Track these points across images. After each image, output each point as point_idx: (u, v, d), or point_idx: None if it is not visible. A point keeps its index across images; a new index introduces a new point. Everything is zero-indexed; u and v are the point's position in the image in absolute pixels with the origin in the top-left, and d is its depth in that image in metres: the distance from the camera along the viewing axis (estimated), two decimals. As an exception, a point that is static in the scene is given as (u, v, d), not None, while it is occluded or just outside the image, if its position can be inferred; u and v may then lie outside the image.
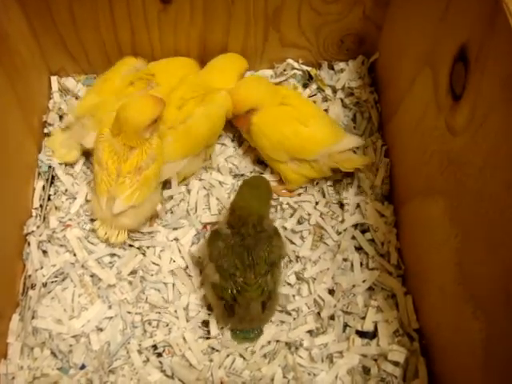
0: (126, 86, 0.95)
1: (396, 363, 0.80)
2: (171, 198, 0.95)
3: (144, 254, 0.91)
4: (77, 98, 1.04)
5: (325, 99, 1.04)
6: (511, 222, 0.59)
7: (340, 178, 0.97)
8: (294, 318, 0.86)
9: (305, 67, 1.06)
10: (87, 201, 0.94)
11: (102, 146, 0.88)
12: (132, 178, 0.87)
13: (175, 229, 0.93)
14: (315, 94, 1.05)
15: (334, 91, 1.05)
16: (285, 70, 1.06)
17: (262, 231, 0.81)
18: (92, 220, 0.92)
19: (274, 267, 0.81)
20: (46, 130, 1.00)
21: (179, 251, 0.91)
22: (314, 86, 1.05)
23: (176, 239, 0.92)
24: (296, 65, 1.06)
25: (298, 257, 0.91)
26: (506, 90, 0.59)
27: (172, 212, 0.94)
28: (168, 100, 0.91)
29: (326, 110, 1.02)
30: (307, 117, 0.91)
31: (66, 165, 0.97)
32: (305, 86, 1.06)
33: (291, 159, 0.93)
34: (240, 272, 0.79)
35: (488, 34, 0.62)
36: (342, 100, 1.04)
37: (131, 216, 0.88)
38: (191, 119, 0.91)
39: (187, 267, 0.90)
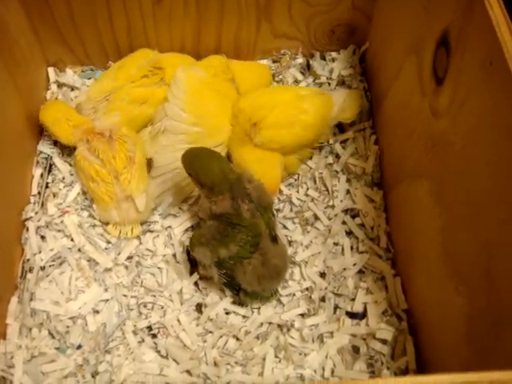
0: (140, 76, 0.96)
1: (384, 341, 0.82)
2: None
3: (140, 241, 0.93)
4: (73, 90, 1.06)
5: (319, 87, 1.06)
6: (491, 199, 0.61)
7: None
8: (288, 301, 0.88)
9: (301, 57, 1.08)
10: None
11: (83, 163, 0.92)
12: (130, 170, 0.90)
13: (173, 217, 0.95)
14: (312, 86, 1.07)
15: (329, 80, 1.07)
16: (280, 59, 1.08)
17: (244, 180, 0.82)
18: (89, 207, 0.94)
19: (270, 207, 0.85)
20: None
21: (170, 238, 0.93)
22: (310, 77, 1.07)
23: (170, 227, 0.94)
24: (293, 54, 1.08)
25: (290, 241, 0.93)
26: (484, 71, 0.61)
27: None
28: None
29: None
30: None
31: (64, 153, 1.00)
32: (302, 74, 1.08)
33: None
34: (242, 223, 0.81)
35: (467, 18, 0.64)
36: (334, 89, 1.06)
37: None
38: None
39: (175, 255, 0.92)
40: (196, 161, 0.83)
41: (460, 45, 0.66)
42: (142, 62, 0.97)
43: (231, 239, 0.81)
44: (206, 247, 0.82)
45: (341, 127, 1.02)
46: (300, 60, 1.08)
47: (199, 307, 0.88)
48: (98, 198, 0.92)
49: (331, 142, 1.00)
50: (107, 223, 0.93)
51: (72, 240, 0.91)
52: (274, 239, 0.85)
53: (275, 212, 0.93)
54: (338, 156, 0.99)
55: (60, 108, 0.97)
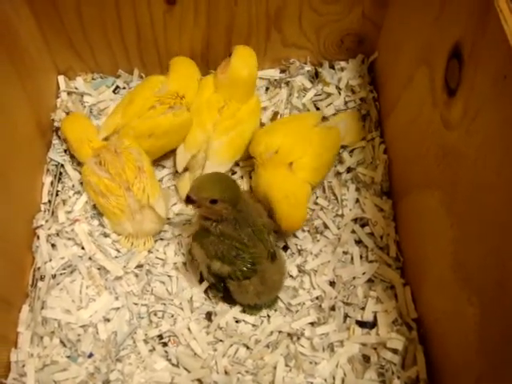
0: (147, 108, 0.94)
1: (395, 351, 0.82)
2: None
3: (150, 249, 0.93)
4: (82, 96, 1.07)
5: (328, 97, 1.07)
6: (504, 211, 0.61)
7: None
8: (297, 310, 0.89)
9: (310, 66, 1.09)
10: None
11: (92, 179, 0.92)
12: (141, 179, 0.91)
13: (182, 225, 0.96)
14: (320, 94, 1.07)
15: (337, 89, 1.07)
16: (289, 68, 1.08)
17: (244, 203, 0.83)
18: (99, 214, 0.95)
19: (268, 227, 0.86)
20: (53, 128, 1.03)
21: (181, 246, 0.94)
22: (319, 85, 1.08)
23: (180, 235, 0.95)
24: (301, 64, 1.08)
25: (299, 250, 0.93)
26: (498, 85, 0.61)
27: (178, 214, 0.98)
28: (207, 103, 0.97)
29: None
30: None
31: (74, 161, 1.00)
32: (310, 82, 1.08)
33: None
34: (243, 249, 0.82)
35: (480, 31, 0.64)
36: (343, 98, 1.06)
37: (155, 218, 0.92)
38: (243, 124, 0.96)
39: (185, 263, 0.92)
40: (221, 180, 0.82)
41: (473, 58, 0.67)
42: (148, 95, 0.95)
43: (228, 261, 0.82)
44: (202, 249, 0.83)
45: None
46: (308, 68, 1.08)
47: (209, 315, 0.88)
48: (109, 213, 0.92)
49: (340, 150, 1.00)
50: (119, 235, 0.94)
51: (83, 248, 0.92)
52: (273, 257, 0.85)
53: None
54: (346, 165, 1.00)
55: (85, 128, 0.97)
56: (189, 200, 0.79)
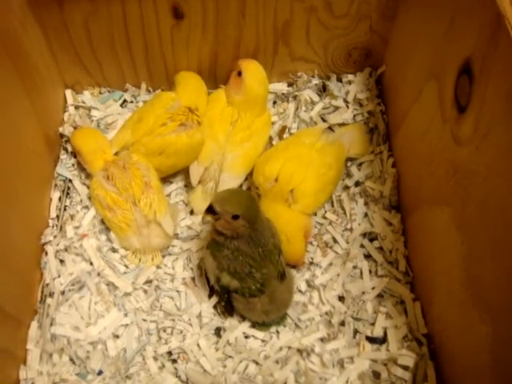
0: (158, 125, 0.94)
1: (405, 367, 0.82)
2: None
3: (159, 265, 0.93)
4: (90, 110, 1.06)
5: (336, 110, 1.06)
6: (516, 228, 0.61)
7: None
8: (306, 326, 0.88)
9: (317, 79, 1.09)
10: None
11: (100, 192, 0.92)
12: (148, 195, 0.91)
13: (190, 239, 0.96)
14: (328, 107, 1.07)
15: (345, 102, 1.07)
16: (297, 81, 1.08)
17: (260, 221, 0.82)
18: (107, 229, 0.94)
19: (278, 247, 0.85)
20: (61, 142, 1.03)
21: (190, 261, 0.93)
22: (327, 99, 1.07)
23: (189, 250, 0.95)
24: (309, 77, 1.08)
25: (310, 262, 0.93)
26: (509, 102, 0.61)
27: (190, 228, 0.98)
28: (220, 116, 0.97)
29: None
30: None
31: (82, 176, 1.00)
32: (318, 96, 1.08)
33: None
34: (256, 267, 0.81)
35: (491, 48, 0.64)
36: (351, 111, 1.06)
37: (162, 233, 0.92)
38: (257, 137, 0.98)
39: (194, 278, 0.92)
40: (243, 197, 0.82)
41: (484, 74, 0.66)
42: (159, 112, 0.95)
43: (239, 277, 0.82)
44: (215, 261, 0.83)
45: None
46: (316, 81, 1.08)
47: (218, 331, 0.88)
48: (116, 227, 0.92)
49: (348, 164, 1.00)
50: (127, 250, 0.93)
51: (91, 264, 0.91)
52: (282, 277, 0.85)
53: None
54: (355, 179, 1.00)
55: (98, 140, 0.97)
56: (211, 210, 0.79)
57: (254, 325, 0.89)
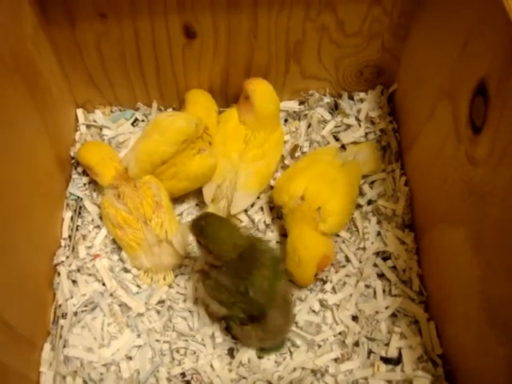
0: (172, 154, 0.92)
1: (421, 389, 0.82)
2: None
3: (170, 284, 0.93)
4: (101, 129, 1.06)
5: (348, 128, 1.06)
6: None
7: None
8: (320, 346, 0.87)
9: (329, 97, 1.08)
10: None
11: (111, 211, 0.92)
12: (159, 214, 0.91)
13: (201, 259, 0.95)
14: (340, 126, 1.07)
15: (357, 120, 1.06)
16: (308, 100, 1.08)
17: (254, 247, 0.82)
18: (119, 248, 0.94)
19: (278, 272, 0.83)
20: (73, 162, 1.03)
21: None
22: (339, 117, 1.07)
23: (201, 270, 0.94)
24: (320, 95, 1.08)
25: (324, 281, 0.93)
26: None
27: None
28: (233, 133, 0.98)
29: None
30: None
31: (93, 195, 1.00)
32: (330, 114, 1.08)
33: None
34: (239, 299, 0.80)
35: (507, 71, 0.64)
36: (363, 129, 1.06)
37: (173, 252, 0.92)
38: (269, 155, 0.98)
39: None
40: (207, 229, 0.80)
41: (499, 95, 0.66)
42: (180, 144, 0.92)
43: (225, 305, 0.82)
44: (203, 287, 0.83)
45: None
46: (327, 99, 1.08)
47: (231, 351, 0.87)
48: (126, 245, 0.92)
49: (360, 182, 1.00)
50: (139, 269, 0.93)
51: (104, 284, 0.91)
52: (284, 302, 0.84)
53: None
54: (367, 197, 0.99)
55: (104, 149, 0.98)
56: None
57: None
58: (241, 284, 0.79)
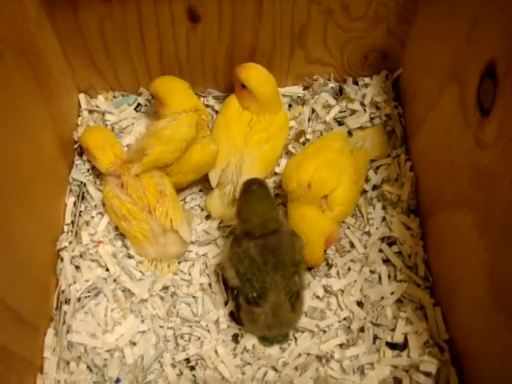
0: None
1: (428, 374, 0.81)
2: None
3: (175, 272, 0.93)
4: (104, 115, 1.06)
5: (353, 113, 1.05)
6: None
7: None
8: (325, 331, 0.87)
9: (334, 82, 1.08)
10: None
11: (114, 202, 0.91)
12: (164, 203, 0.90)
13: (206, 244, 0.95)
14: (344, 111, 1.06)
15: (362, 105, 1.06)
16: (312, 84, 1.07)
17: (280, 233, 0.81)
18: (123, 235, 0.94)
19: (300, 267, 0.83)
20: (76, 147, 1.02)
21: (206, 267, 0.92)
22: (343, 102, 1.06)
23: (205, 255, 0.94)
24: (325, 80, 1.07)
25: (330, 264, 0.92)
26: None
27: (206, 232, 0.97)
28: (237, 117, 0.97)
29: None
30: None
31: (97, 181, 0.99)
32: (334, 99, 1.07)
33: None
34: (257, 277, 0.80)
35: (517, 50, 0.63)
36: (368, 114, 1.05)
37: (178, 241, 0.91)
38: (274, 138, 0.97)
39: (211, 284, 0.91)
40: (247, 195, 0.81)
41: (508, 79, 0.65)
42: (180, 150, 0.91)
43: (240, 277, 0.81)
44: (230, 251, 0.83)
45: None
46: (332, 84, 1.07)
47: (236, 337, 0.87)
48: (131, 237, 0.91)
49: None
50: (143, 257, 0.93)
51: (107, 270, 0.91)
52: (293, 298, 0.83)
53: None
54: (372, 183, 0.99)
55: (106, 134, 0.97)
56: None
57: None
58: (278, 259, 0.80)
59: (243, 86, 0.95)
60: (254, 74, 0.95)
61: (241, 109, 0.97)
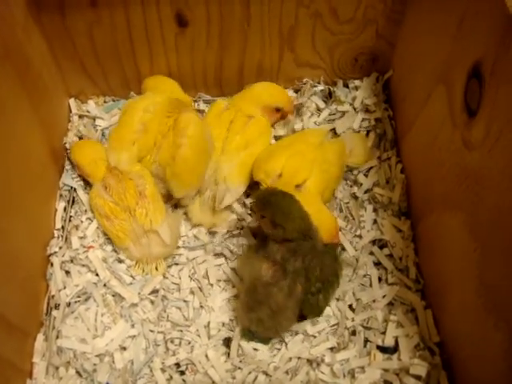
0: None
1: (418, 377, 0.80)
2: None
3: (165, 274, 0.92)
4: (94, 120, 1.05)
5: (343, 116, 1.05)
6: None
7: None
8: (315, 336, 0.87)
9: (323, 85, 1.08)
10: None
11: (98, 201, 0.92)
12: (143, 204, 0.90)
13: (195, 249, 0.94)
14: (334, 114, 1.06)
15: (352, 107, 1.05)
16: (302, 88, 1.07)
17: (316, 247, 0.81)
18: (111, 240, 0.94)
19: (328, 286, 0.83)
20: (66, 152, 1.02)
21: (195, 271, 0.92)
22: (333, 105, 1.06)
23: (195, 259, 0.93)
24: (315, 83, 1.07)
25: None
26: (521, 105, 0.60)
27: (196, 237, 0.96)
28: (216, 121, 0.96)
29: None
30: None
31: (87, 186, 0.99)
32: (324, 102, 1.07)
33: None
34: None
35: (502, 50, 0.63)
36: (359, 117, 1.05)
37: (161, 242, 0.90)
38: (253, 145, 0.96)
39: (201, 287, 0.91)
40: (280, 203, 0.80)
41: (495, 77, 0.65)
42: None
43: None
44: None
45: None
46: (322, 87, 1.07)
47: (227, 342, 0.86)
48: (114, 236, 0.91)
49: (355, 171, 0.99)
50: (131, 260, 0.93)
51: (97, 275, 0.90)
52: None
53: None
54: (362, 185, 0.98)
55: (96, 149, 0.97)
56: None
57: (241, 333, 0.86)
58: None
59: (277, 111, 0.99)
60: (269, 88, 1.00)
61: (221, 111, 0.97)
